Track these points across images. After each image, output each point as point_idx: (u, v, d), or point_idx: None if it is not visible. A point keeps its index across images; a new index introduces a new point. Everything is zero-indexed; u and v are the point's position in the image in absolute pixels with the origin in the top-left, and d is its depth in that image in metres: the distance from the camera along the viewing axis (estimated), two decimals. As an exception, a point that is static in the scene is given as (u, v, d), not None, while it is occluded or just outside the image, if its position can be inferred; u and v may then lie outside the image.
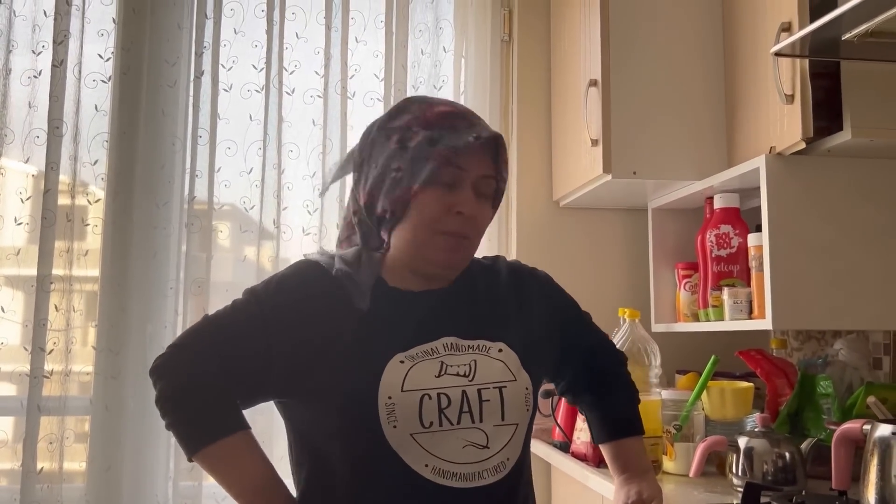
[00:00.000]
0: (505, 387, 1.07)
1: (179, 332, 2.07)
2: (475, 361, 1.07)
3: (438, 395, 1.03)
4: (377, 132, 1.12)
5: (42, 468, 1.99)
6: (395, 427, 1.01)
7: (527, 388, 1.10)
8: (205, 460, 1.05)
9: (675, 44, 1.95)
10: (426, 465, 1.01)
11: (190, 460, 1.05)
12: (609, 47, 1.91)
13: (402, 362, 1.04)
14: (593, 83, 1.93)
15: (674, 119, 1.93)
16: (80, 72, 2.11)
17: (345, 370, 1.04)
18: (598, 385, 1.28)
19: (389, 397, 1.01)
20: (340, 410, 1.02)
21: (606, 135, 1.88)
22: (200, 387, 1.05)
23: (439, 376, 1.04)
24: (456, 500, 1.01)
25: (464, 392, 1.04)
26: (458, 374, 1.05)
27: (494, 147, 1.10)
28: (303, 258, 1.16)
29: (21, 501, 1.95)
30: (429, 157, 1.06)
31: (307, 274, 1.11)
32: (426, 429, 1.01)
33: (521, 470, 1.09)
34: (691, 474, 1.59)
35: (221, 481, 1.06)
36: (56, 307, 2.04)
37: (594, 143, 1.92)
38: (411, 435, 1.01)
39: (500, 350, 1.10)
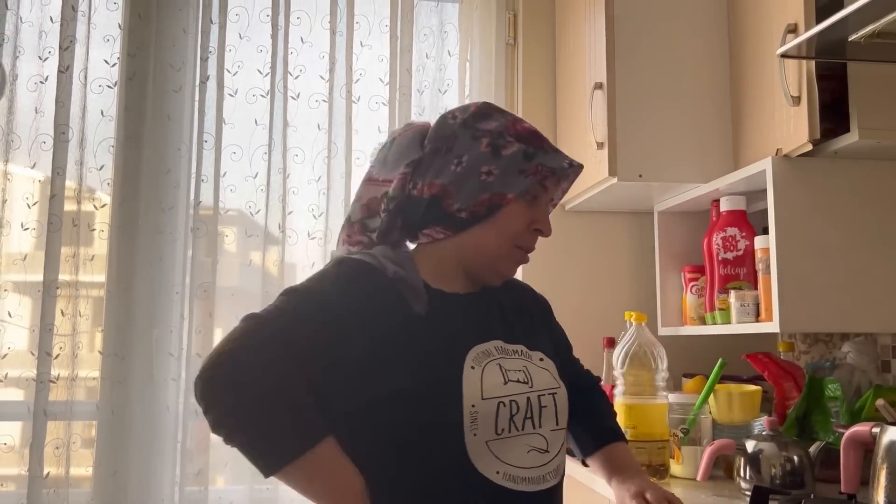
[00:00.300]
0: (556, 393, 1.11)
1: (185, 337, 2.08)
2: (526, 368, 1.09)
3: (510, 402, 1.04)
4: (461, 129, 1.10)
5: (48, 473, 1.99)
6: (475, 435, 1.00)
7: (567, 396, 1.14)
8: (291, 475, 0.96)
9: (681, 46, 1.95)
10: (497, 472, 1.01)
11: (268, 476, 0.95)
12: (614, 50, 1.91)
13: (472, 368, 1.04)
14: (598, 86, 1.93)
15: (679, 121, 1.92)
16: (86, 77, 2.12)
17: (422, 377, 1.01)
18: (586, 399, 1.30)
19: (473, 405, 1.01)
20: (421, 418, 0.99)
21: (612, 138, 1.88)
22: (277, 395, 0.94)
23: (506, 383, 1.05)
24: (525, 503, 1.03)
25: (528, 398, 1.06)
26: (518, 381, 1.07)
27: (574, 177, 1.15)
28: (346, 257, 1.10)
29: (28, 506, 1.95)
30: (524, 171, 1.08)
31: (362, 273, 1.06)
32: (498, 436, 1.02)
33: (564, 473, 1.14)
34: (699, 478, 1.58)
35: (313, 493, 0.98)
36: (62, 312, 2.04)
37: (600, 146, 1.92)
38: (486, 442, 1.01)
39: (542, 359, 1.14)
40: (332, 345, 1.00)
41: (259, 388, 0.93)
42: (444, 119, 1.12)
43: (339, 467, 0.97)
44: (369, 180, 1.16)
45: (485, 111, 1.12)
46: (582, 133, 2.08)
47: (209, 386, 0.94)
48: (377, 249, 1.11)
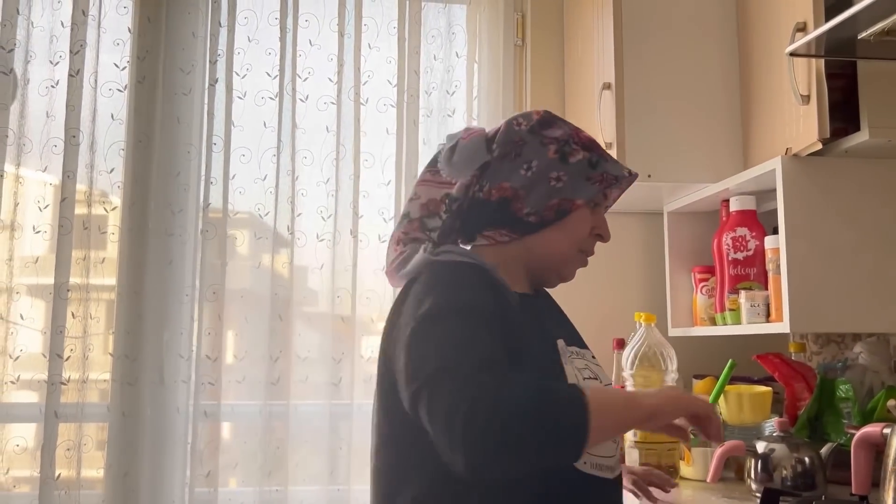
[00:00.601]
0: (610, 386, 1.18)
1: (195, 339, 2.09)
2: (588, 365, 1.14)
3: None
4: (528, 135, 1.12)
5: (60, 475, 2.00)
6: None
7: None
8: (601, 435, 0.94)
9: (689, 45, 1.94)
10: (584, 462, 1.04)
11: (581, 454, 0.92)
12: (622, 50, 1.90)
13: (565, 364, 1.08)
14: (607, 86, 1.92)
15: (688, 121, 1.92)
16: (96, 81, 2.13)
17: (545, 371, 1.05)
18: None
19: None
20: None
21: (620, 138, 1.87)
22: (527, 410, 0.89)
23: (584, 379, 1.10)
24: (608, 490, 1.07)
25: None
26: (589, 377, 1.11)
27: (629, 185, 1.20)
28: (456, 261, 1.08)
29: (40, 507, 1.97)
30: (590, 178, 1.12)
31: (480, 275, 1.05)
32: None
33: None
34: (709, 479, 1.57)
35: (615, 430, 0.98)
36: (73, 315, 2.06)
37: (608, 146, 1.91)
38: None
39: (593, 356, 1.20)
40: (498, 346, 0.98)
41: (519, 400, 0.89)
42: (510, 125, 1.14)
43: (611, 399, 0.96)
44: (426, 181, 1.18)
45: (548, 119, 1.14)
46: (590, 133, 2.07)
47: (469, 424, 0.87)
48: (456, 248, 1.11)
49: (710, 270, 1.99)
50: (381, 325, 2.19)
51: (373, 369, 2.18)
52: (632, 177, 1.17)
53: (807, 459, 1.47)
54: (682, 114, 1.92)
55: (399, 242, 1.16)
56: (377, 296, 2.21)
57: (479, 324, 0.97)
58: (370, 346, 2.21)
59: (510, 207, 1.11)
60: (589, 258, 1.20)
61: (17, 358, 2.06)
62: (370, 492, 1.14)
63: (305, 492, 2.10)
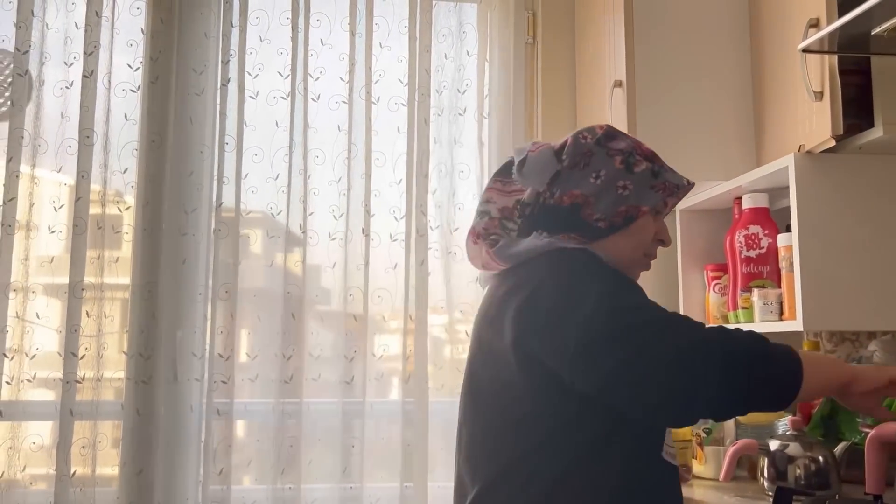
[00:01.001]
0: None
1: (208, 337, 2.10)
2: None
3: None
4: (595, 146, 1.19)
5: (75, 472, 2.02)
6: None
7: None
8: (805, 389, 1.01)
9: (701, 43, 1.93)
10: (663, 451, 1.12)
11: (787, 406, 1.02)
12: (633, 47, 1.89)
13: None
14: (618, 84, 1.92)
15: (700, 118, 1.91)
16: (110, 82, 2.15)
17: None
18: None
19: None
20: None
21: (632, 135, 1.86)
22: (749, 336, 1.02)
23: None
24: (677, 476, 1.15)
25: None
26: None
27: (686, 194, 1.26)
28: (583, 249, 1.16)
29: (55, 503, 1.98)
30: (654, 187, 1.19)
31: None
32: None
33: None
34: (721, 478, 1.57)
35: (822, 385, 1.04)
36: (88, 313, 2.07)
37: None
38: None
39: None
40: None
41: (746, 367, 0.99)
42: (576, 138, 1.21)
43: (817, 354, 1.08)
44: (495, 189, 1.26)
45: (611, 133, 1.22)
46: (602, 131, 2.06)
47: (719, 405, 1.00)
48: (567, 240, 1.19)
49: (722, 268, 1.98)
50: (393, 324, 2.22)
51: (384, 367, 2.20)
52: (689, 186, 1.23)
53: (820, 458, 1.46)
54: (694, 111, 1.91)
55: (479, 237, 1.23)
56: (389, 294, 2.22)
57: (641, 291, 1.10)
58: (382, 345, 2.21)
59: (581, 213, 1.17)
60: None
61: (34, 356, 2.08)
62: (467, 479, 1.16)
63: (318, 490, 2.11)
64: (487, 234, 1.22)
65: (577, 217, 1.17)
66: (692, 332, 1.02)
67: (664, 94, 1.91)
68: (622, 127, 1.89)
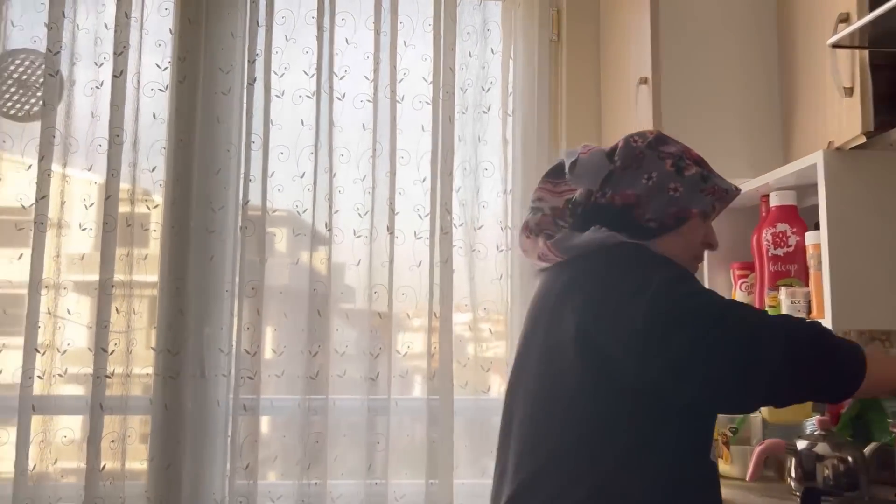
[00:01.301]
0: None
1: (235, 334, 2.12)
2: None
3: None
4: (647, 149, 1.23)
5: (105, 466, 2.05)
6: None
7: None
8: (868, 382, 1.04)
9: (728, 38, 1.91)
10: (711, 454, 1.15)
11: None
12: (659, 43, 1.88)
13: None
14: (643, 80, 1.91)
15: (727, 115, 1.89)
16: (138, 81, 2.18)
17: None
18: None
19: None
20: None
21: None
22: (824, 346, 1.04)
23: None
24: (718, 474, 1.20)
25: None
26: None
27: (733, 199, 1.27)
28: (632, 242, 1.18)
29: (85, 498, 2.02)
30: (703, 190, 1.22)
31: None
32: None
33: None
34: (748, 478, 1.55)
35: (886, 380, 1.06)
36: (117, 310, 2.11)
37: (645, 141, 1.89)
38: None
39: None
40: None
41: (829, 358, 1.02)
42: (628, 141, 1.25)
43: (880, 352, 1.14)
44: (546, 189, 1.30)
45: (661, 137, 1.26)
46: (627, 129, 2.04)
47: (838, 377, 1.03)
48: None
49: (749, 267, 1.96)
50: (417, 321, 2.23)
51: (408, 365, 2.21)
52: (736, 192, 1.25)
53: (850, 459, 1.44)
54: (721, 107, 1.89)
55: (532, 232, 1.26)
56: (413, 291, 2.23)
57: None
58: (406, 342, 2.22)
59: (632, 213, 1.20)
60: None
61: (65, 352, 2.12)
62: (510, 469, 1.17)
63: (344, 485, 2.13)
64: (540, 229, 1.26)
65: (628, 217, 1.20)
66: (757, 317, 1.04)
67: (690, 90, 1.89)
68: (647, 124, 1.88)
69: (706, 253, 1.31)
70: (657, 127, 1.85)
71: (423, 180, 2.25)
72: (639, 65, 1.97)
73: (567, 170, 1.25)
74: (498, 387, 2.24)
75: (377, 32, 2.24)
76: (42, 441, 2.07)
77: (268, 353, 2.17)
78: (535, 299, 1.25)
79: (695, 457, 1.11)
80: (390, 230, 2.19)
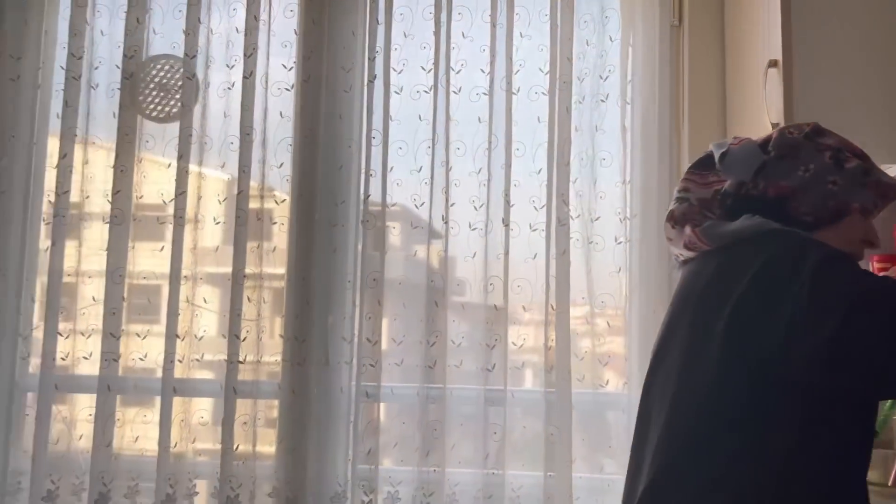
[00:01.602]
0: None
1: (357, 323, 2.20)
2: None
3: None
4: (804, 140, 1.19)
5: (238, 446, 2.18)
6: None
7: None
8: None
9: (866, 15, 1.80)
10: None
11: None
12: (790, 24, 1.79)
13: None
14: (773, 64, 1.82)
15: (866, 97, 1.78)
16: (266, 82, 2.28)
17: None
18: None
19: None
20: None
21: (789, 118, 1.77)
22: None
23: None
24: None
25: None
26: None
27: None
28: (788, 229, 1.15)
29: (221, 475, 2.15)
30: (864, 185, 1.18)
31: None
32: None
33: None
34: (890, 483, 1.46)
35: None
36: (249, 299, 2.23)
37: (775, 127, 1.81)
38: None
39: None
40: None
41: None
42: (782, 132, 1.22)
43: None
44: (692, 181, 1.27)
45: (819, 129, 1.21)
46: (755, 114, 1.97)
47: None
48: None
49: (890, 259, 1.83)
50: (530, 315, 2.23)
51: (521, 358, 2.21)
52: None
53: None
54: (859, 90, 1.78)
55: (678, 221, 1.23)
56: (529, 284, 2.23)
57: None
58: (521, 335, 2.23)
59: (787, 206, 1.16)
60: None
61: (201, 338, 2.26)
62: (648, 461, 1.15)
63: (461, 474, 2.16)
64: (686, 219, 1.22)
65: (782, 210, 1.16)
66: None
67: (824, 73, 1.79)
68: (778, 110, 1.80)
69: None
70: (788, 113, 1.77)
71: (539, 172, 2.24)
72: (768, 47, 1.88)
73: (717, 160, 1.22)
74: (616, 382, 2.21)
75: (493, 25, 2.25)
76: (182, 421, 2.23)
77: (386, 343, 2.23)
78: (679, 290, 1.21)
79: (856, 450, 1.07)
80: (506, 222, 2.20)
